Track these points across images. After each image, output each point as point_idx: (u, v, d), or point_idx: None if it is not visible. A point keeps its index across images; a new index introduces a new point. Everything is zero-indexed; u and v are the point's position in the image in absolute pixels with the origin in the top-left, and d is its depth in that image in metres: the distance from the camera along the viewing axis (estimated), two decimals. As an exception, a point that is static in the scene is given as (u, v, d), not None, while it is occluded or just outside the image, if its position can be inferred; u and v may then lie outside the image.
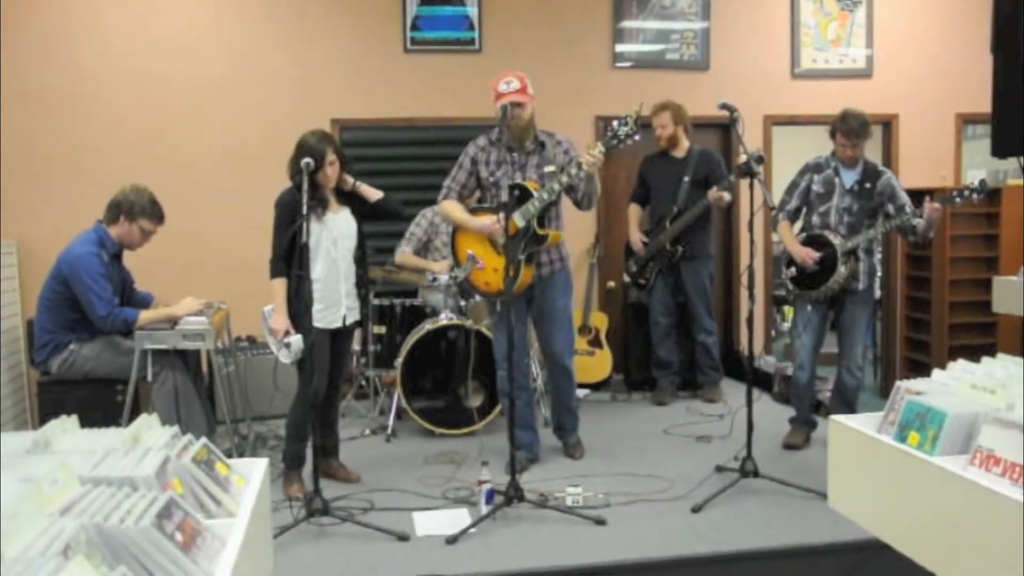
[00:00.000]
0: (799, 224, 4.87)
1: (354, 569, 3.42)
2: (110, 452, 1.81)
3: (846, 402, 4.72)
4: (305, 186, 3.69)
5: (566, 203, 4.51)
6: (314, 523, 3.74)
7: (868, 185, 4.65)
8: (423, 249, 5.72)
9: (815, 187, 4.73)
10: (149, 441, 1.95)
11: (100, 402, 4.38)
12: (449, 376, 5.25)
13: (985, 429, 2.04)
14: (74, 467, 1.66)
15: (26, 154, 5.99)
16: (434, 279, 5.32)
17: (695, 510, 3.89)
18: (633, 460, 4.67)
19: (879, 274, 5.08)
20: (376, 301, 5.46)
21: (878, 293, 4.91)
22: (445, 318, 5.16)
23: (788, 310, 7.70)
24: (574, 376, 4.70)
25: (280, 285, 4.07)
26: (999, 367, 2.39)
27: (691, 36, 6.79)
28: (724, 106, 4.13)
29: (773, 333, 7.32)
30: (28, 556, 1.30)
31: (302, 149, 3.98)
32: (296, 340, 3.98)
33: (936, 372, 2.49)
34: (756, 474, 4.07)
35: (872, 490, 2.40)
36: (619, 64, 6.72)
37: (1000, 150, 3.55)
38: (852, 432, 2.48)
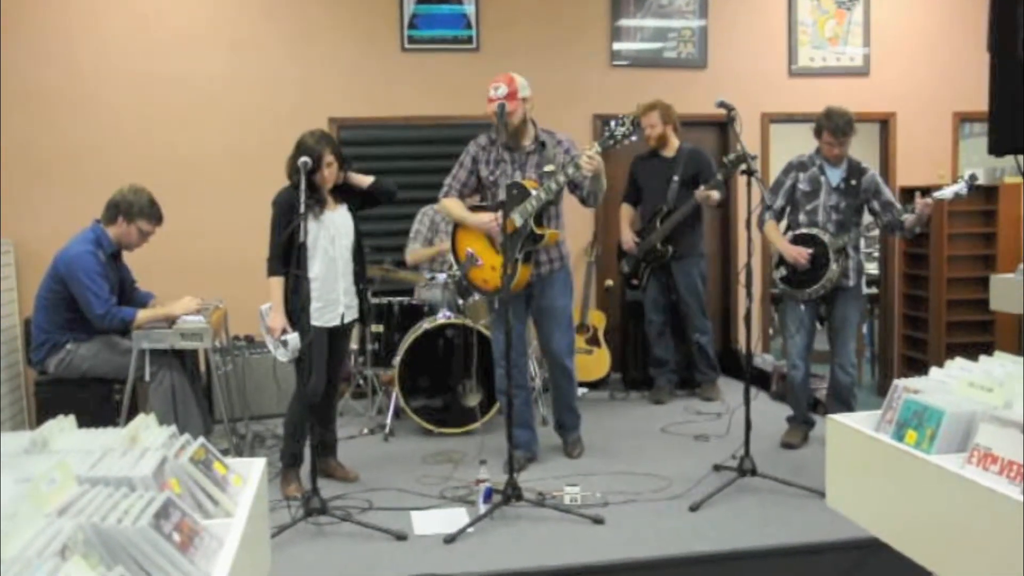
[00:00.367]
0: (783, 223, 4.87)
1: (352, 568, 3.42)
2: (108, 452, 1.81)
3: (842, 400, 4.73)
4: (303, 185, 3.69)
5: (569, 202, 4.51)
6: (312, 522, 3.74)
7: (854, 182, 4.67)
8: (427, 245, 5.73)
9: (801, 185, 4.73)
10: (147, 441, 1.95)
11: (97, 402, 4.39)
12: (447, 375, 5.25)
13: (983, 427, 2.04)
14: (72, 467, 1.66)
15: (25, 154, 5.98)
16: (432, 278, 5.32)
17: (693, 509, 3.90)
18: (631, 459, 4.67)
19: (865, 271, 5.09)
20: (374, 300, 5.46)
21: (865, 289, 4.94)
22: (443, 317, 5.16)
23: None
24: (575, 375, 4.69)
25: (277, 284, 4.07)
26: (997, 365, 2.39)
27: (689, 34, 6.79)
28: (722, 104, 4.14)
29: (771, 331, 7.32)
30: (26, 556, 1.29)
31: (301, 149, 3.98)
32: (293, 338, 3.97)
33: (934, 370, 2.49)
34: (754, 473, 4.07)
35: (870, 489, 2.40)
36: (616, 62, 6.72)
37: (997, 148, 3.55)
38: (850, 431, 2.48)
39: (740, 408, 4.23)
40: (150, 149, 6.12)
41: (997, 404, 2.14)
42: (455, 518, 3.84)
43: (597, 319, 6.36)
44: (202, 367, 5.28)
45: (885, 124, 7.18)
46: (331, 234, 4.14)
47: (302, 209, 3.68)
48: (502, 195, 4.18)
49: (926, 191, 4.61)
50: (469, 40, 6.50)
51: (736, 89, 6.42)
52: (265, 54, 6.28)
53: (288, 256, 3.99)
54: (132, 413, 4.13)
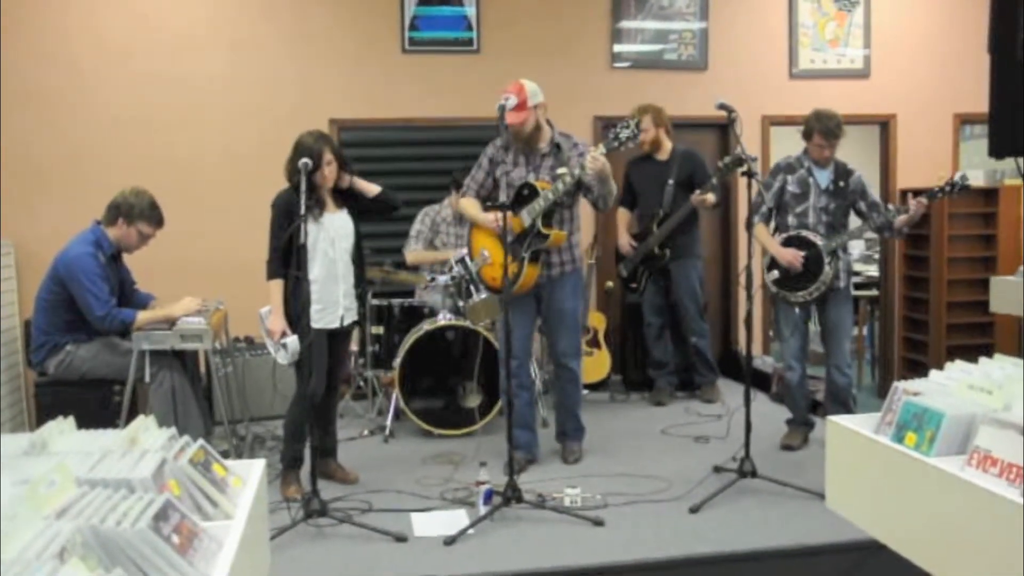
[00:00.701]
0: (770, 225, 4.86)
1: (352, 570, 3.42)
2: (107, 454, 1.81)
3: (840, 401, 4.72)
4: (303, 187, 3.69)
5: (586, 207, 4.53)
6: (312, 524, 3.74)
7: (842, 184, 4.68)
8: (429, 247, 5.73)
9: (790, 187, 4.73)
10: (146, 443, 1.95)
11: (97, 403, 4.38)
12: (447, 377, 5.25)
13: (982, 430, 2.04)
14: (71, 469, 1.66)
15: (25, 155, 5.98)
16: (432, 279, 5.32)
17: (693, 510, 3.90)
18: (631, 460, 4.67)
19: (852, 270, 5.11)
20: (374, 301, 5.46)
21: (852, 290, 4.98)
22: (443, 318, 5.16)
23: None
24: (580, 379, 4.70)
25: (277, 286, 4.07)
26: (996, 368, 2.39)
27: (689, 36, 6.79)
28: (722, 106, 4.14)
29: (771, 333, 7.31)
30: (24, 558, 1.29)
31: (300, 149, 3.98)
32: (293, 341, 3.97)
33: (933, 372, 2.49)
34: (754, 474, 4.07)
35: (869, 491, 2.40)
36: (617, 64, 6.72)
37: (997, 150, 3.55)
38: (849, 433, 2.48)
39: (740, 410, 4.24)
40: (150, 150, 6.12)
41: (997, 406, 2.14)
42: (455, 520, 3.84)
43: (597, 321, 6.36)
44: (202, 368, 5.28)
45: (885, 126, 7.18)
46: (331, 236, 4.14)
47: (302, 211, 3.68)
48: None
49: (918, 193, 4.61)
50: (470, 42, 6.51)
51: (736, 91, 6.42)
52: (265, 55, 6.29)
53: (288, 258, 3.99)
54: (132, 414, 4.13)
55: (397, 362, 5.12)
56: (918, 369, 6.74)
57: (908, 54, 7.07)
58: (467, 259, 4.87)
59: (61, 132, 6.06)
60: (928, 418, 2.19)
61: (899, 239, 6.03)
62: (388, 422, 5.26)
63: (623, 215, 6.00)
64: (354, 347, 5.50)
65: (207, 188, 6.18)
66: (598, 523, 3.78)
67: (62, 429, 2.02)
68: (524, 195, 4.33)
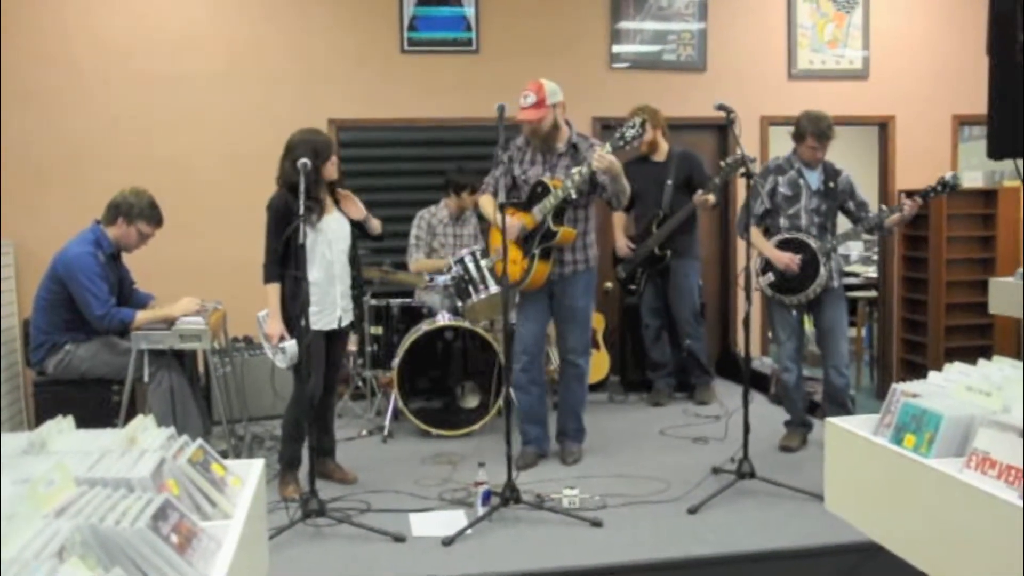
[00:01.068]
0: (761, 227, 4.86)
1: (350, 570, 3.42)
2: (106, 453, 1.81)
3: (838, 402, 4.73)
4: (302, 187, 3.68)
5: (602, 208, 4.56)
6: (310, 524, 3.73)
7: (831, 184, 4.69)
8: (428, 250, 5.73)
9: (781, 189, 4.73)
10: (145, 442, 1.95)
11: (96, 403, 4.38)
12: (446, 377, 5.25)
13: (981, 432, 2.04)
14: (70, 468, 1.66)
15: (25, 154, 5.98)
16: (431, 280, 5.32)
17: (692, 512, 3.90)
18: (630, 461, 4.67)
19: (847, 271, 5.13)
20: (373, 302, 5.46)
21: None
22: (442, 319, 5.16)
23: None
24: (586, 378, 4.71)
25: (274, 290, 4.06)
26: (995, 369, 2.39)
27: (688, 37, 6.79)
28: (721, 107, 4.14)
29: (769, 335, 7.32)
30: (23, 557, 1.29)
31: (296, 149, 3.97)
32: (291, 345, 3.97)
33: (932, 374, 2.49)
34: (752, 476, 4.07)
35: (868, 492, 2.40)
36: (616, 65, 6.72)
37: (996, 152, 3.55)
38: (848, 434, 2.48)
39: (739, 411, 4.24)
40: (149, 149, 6.12)
41: (996, 408, 2.14)
42: (453, 520, 3.84)
43: (596, 322, 6.35)
44: (201, 368, 5.28)
45: (884, 127, 7.18)
46: (328, 238, 4.12)
47: (301, 211, 3.67)
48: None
49: (911, 193, 4.62)
50: (469, 42, 6.51)
51: (735, 92, 6.43)
52: (265, 55, 6.29)
53: (285, 261, 3.99)
54: (131, 414, 4.12)
55: (396, 362, 5.12)
56: (917, 371, 6.75)
57: (907, 55, 7.07)
58: (475, 255, 4.99)
59: (61, 132, 6.05)
60: (927, 420, 2.19)
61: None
62: (387, 422, 5.26)
63: (619, 217, 6.00)
64: (353, 347, 5.50)
65: (206, 188, 6.18)
66: (596, 524, 3.78)
67: (61, 428, 2.02)
68: (537, 193, 4.40)
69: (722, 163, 5.23)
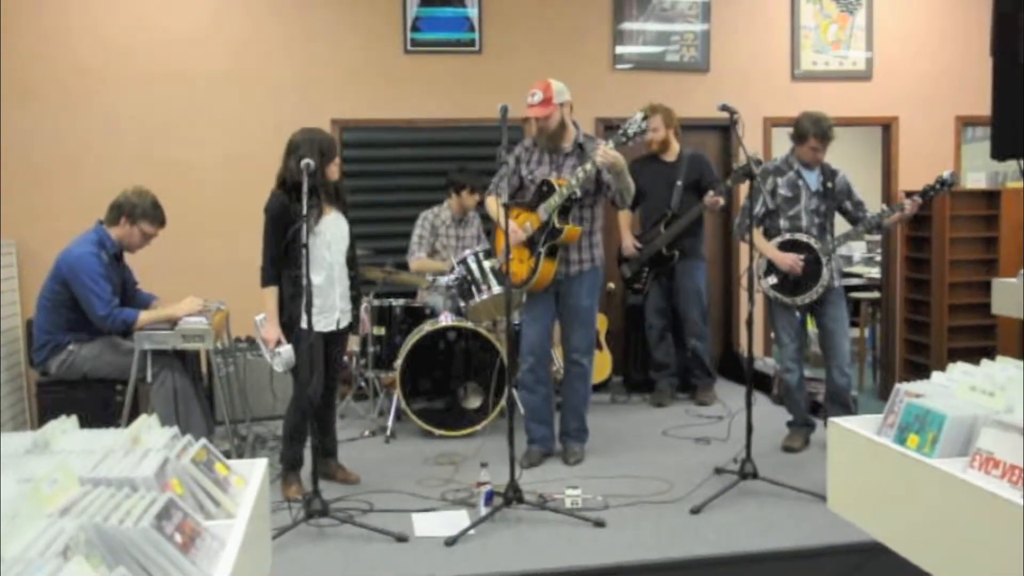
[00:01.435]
0: (760, 229, 4.85)
1: (353, 570, 3.42)
2: (109, 453, 1.81)
3: (841, 402, 4.72)
4: (305, 187, 3.68)
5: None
6: (313, 524, 3.74)
7: (829, 185, 4.69)
8: (431, 251, 5.73)
9: (781, 191, 4.72)
10: (148, 442, 1.95)
11: (99, 403, 4.38)
12: (448, 378, 5.25)
13: (984, 432, 2.04)
14: (73, 467, 1.66)
15: (26, 154, 5.99)
16: (434, 280, 5.32)
17: (694, 512, 3.90)
18: (632, 462, 4.67)
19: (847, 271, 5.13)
20: (376, 302, 5.46)
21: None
22: (444, 320, 5.16)
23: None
24: (590, 378, 4.72)
25: (271, 294, 4.06)
26: (999, 369, 2.39)
27: (691, 38, 6.79)
28: (724, 108, 4.13)
29: (772, 335, 7.31)
30: (27, 556, 1.29)
31: (301, 147, 3.97)
32: (286, 350, 3.98)
33: (936, 374, 2.49)
34: (755, 476, 4.07)
35: (871, 492, 2.40)
36: (619, 66, 6.72)
37: (999, 152, 3.55)
38: (851, 434, 2.48)
39: (741, 411, 4.24)
40: (151, 150, 6.12)
41: (999, 408, 2.14)
42: (456, 520, 3.84)
43: (598, 322, 6.35)
44: (204, 368, 5.28)
45: (887, 128, 7.17)
46: (326, 240, 4.11)
47: (305, 211, 3.67)
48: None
49: (910, 193, 4.62)
50: (472, 43, 6.51)
51: (738, 93, 6.43)
52: (267, 55, 6.29)
53: (284, 263, 3.99)
54: (134, 414, 4.13)
55: (398, 363, 5.12)
56: (919, 371, 6.74)
57: (910, 56, 7.07)
58: (478, 256, 5.04)
59: (62, 131, 6.06)
60: (930, 420, 2.19)
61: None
62: (389, 423, 5.26)
63: (625, 215, 5.99)
64: (355, 348, 5.51)
65: (209, 188, 6.18)
66: (599, 524, 3.78)
67: (64, 428, 2.03)
68: (543, 192, 4.42)
69: (737, 167, 5.22)
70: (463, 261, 5.18)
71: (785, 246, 4.68)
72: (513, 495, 3.83)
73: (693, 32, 6.78)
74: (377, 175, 6.47)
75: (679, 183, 5.73)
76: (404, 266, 5.77)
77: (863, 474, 2.43)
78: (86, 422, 2.10)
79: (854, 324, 7.39)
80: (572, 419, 4.72)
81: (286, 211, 3.98)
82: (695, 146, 6.03)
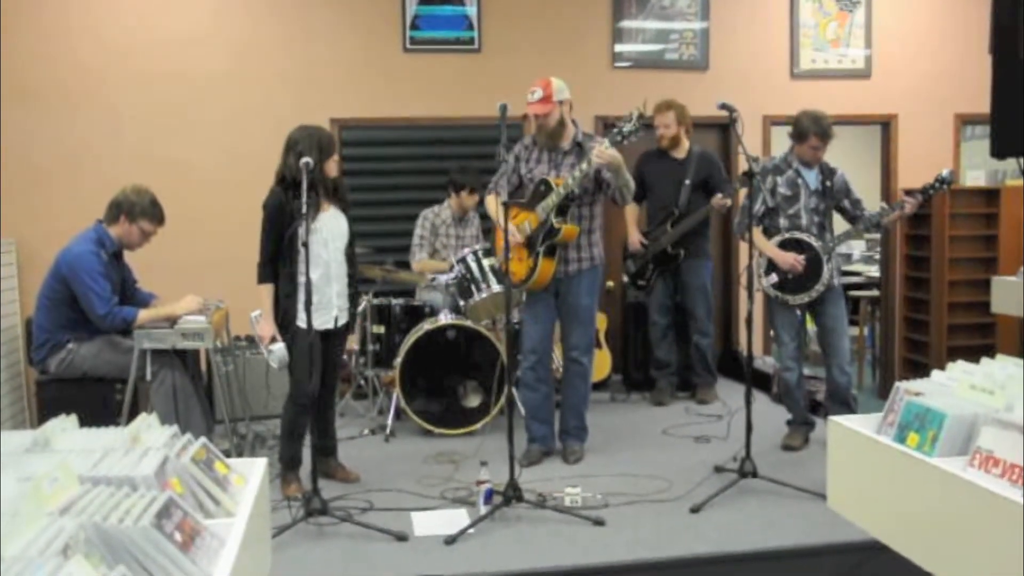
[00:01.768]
0: (760, 228, 4.85)
1: (353, 569, 3.42)
2: (109, 451, 1.81)
3: (842, 401, 4.72)
4: (304, 185, 3.68)
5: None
6: (312, 523, 3.74)
7: (828, 183, 4.69)
8: (432, 250, 5.72)
9: (781, 189, 4.72)
10: (148, 441, 1.95)
11: (99, 402, 4.38)
12: (448, 376, 5.25)
13: (984, 430, 2.04)
14: (73, 466, 1.66)
15: (26, 153, 5.98)
16: (433, 279, 5.32)
17: (694, 510, 3.90)
18: (632, 460, 4.67)
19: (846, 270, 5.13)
20: (375, 301, 5.46)
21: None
22: (444, 318, 5.16)
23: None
24: (589, 377, 4.72)
25: (267, 291, 4.06)
26: (998, 368, 2.39)
27: (690, 36, 6.79)
28: (723, 106, 4.13)
29: (772, 334, 7.31)
30: (27, 555, 1.29)
31: (299, 144, 3.97)
32: (279, 348, 3.98)
33: (935, 373, 2.49)
34: (755, 475, 4.07)
35: (871, 491, 2.40)
36: (618, 64, 6.72)
37: (999, 150, 3.55)
38: (851, 433, 2.48)
39: (741, 410, 4.24)
40: (151, 148, 6.12)
41: (999, 407, 2.14)
42: (456, 519, 3.84)
43: (598, 321, 6.34)
44: (203, 367, 5.28)
45: (887, 126, 7.17)
46: (324, 237, 4.11)
47: (304, 208, 3.67)
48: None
49: (910, 192, 4.62)
50: (471, 41, 6.51)
51: (738, 91, 6.42)
52: (266, 54, 6.29)
53: (281, 260, 3.99)
54: (133, 413, 4.13)
55: (398, 361, 5.12)
56: (919, 370, 6.74)
57: (909, 54, 7.07)
58: (477, 255, 5.06)
59: (62, 130, 6.06)
60: (930, 418, 2.19)
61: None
62: (389, 421, 5.26)
63: (632, 210, 5.97)
64: (354, 346, 5.50)
65: (208, 186, 6.18)
66: (599, 523, 3.78)
67: (64, 427, 2.03)
68: (541, 191, 4.42)
69: (748, 172, 5.20)
70: (462, 260, 5.18)
71: (785, 245, 4.67)
72: (513, 494, 3.83)
73: (692, 30, 6.78)
74: (376, 174, 6.47)
75: (687, 182, 5.72)
76: (404, 265, 5.76)
77: (863, 473, 2.44)
78: (86, 421, 2.10)
79: (853, 322, 7.40)
80: (572, 418, 4.72)
81: (283, 208, 3.98)
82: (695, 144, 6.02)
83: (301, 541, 3.64)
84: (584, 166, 4.24)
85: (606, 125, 6.48)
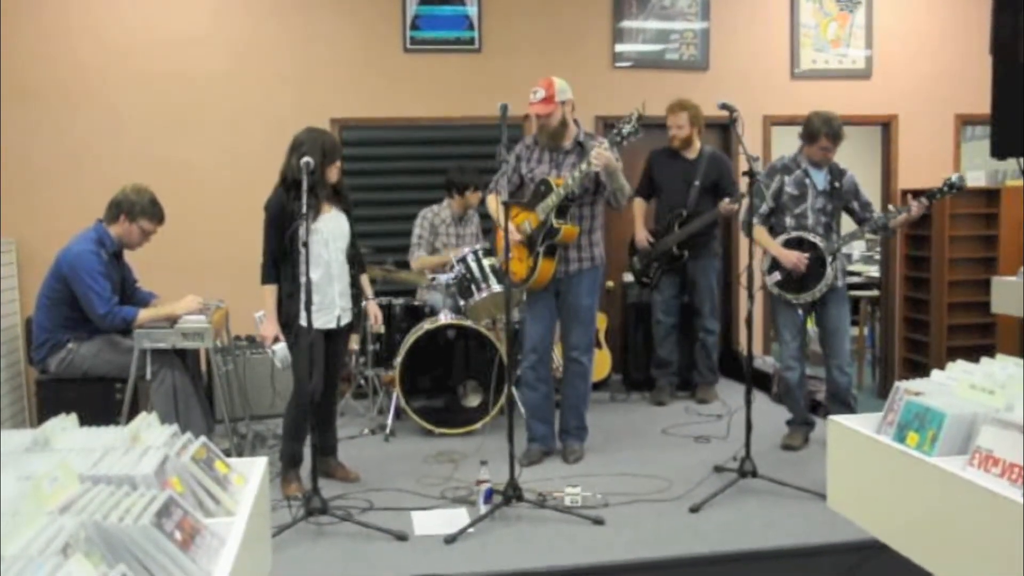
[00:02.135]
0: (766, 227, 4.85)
1: (353, 568, 3.42)
2: (109, 450, 1.81)
3: (842, 401, 4.73)
4: (305, 186, 3.68)
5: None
6: (313, 522, 3.74)
7: (837, 184, 4.69)
8: (431, 249, 5.72)
9: (788, 189, 4.72)
10: (148, 440, 1.95)
11: (99, 401, 4.38)
12: (448, 376, 5.25)
13: (984, 430, 2.04)
14: (73, 465, 1.66)
15: (26, 153, 5.98)
16: (433, 279, 5.32)
17: (694, 510, 3.90)
18: (632, 460, 4.67)
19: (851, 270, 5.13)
20: (375, 300, 5.45)
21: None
22: (444, 318, 5.17)
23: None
24: (589, 376, 4.72)
25: (270, 292, 4.07)
26: (998, 368, 2.39)
27: (691, 36, 6.79)
28: (724, 106, 4.13)
29: (772, 333, 7.31)
30: (28, 554, 1.30)
31: (304, 145, 3.97)
32: (281, 348, 4.00)
33: (935, 372, 2.49)
34: (755, 474, 4.07)
35: (871, 490, 2.40)
36: (619, 64, 6.72)
37: (999, 151, 3.55)
38: (851, 432, 2.48)
39: (741, 410, 4.24)
40: (151, 148, 6.12)
41: (999, 406, 2.14)
42: (456, 518, 3.84)
43: (598, 320, 6.34)
44: (203, 367, 5.28)
45: (887, 126, 7.18)
46: (325, 238, 4.11)
47: (304, 209, 3.67)
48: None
49: (918, 193, 4.62)
50: (471, 41, 6.51)
51: (738, 91, 6.41)
52: (267, 54, 6.29)
53: (284, 260, 3.99)
54: (133, 413, 4.13)
55: (398, 361, 5.12)
56: (919, 370, 6.74)
57: (910, 55, 7.07)
58: (477, 254, 5.06)
59: (62, 130, 6.06)
60: (930, 418, 2.19)
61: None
62: (389, 421, 5.26)
63: (640, 205, 5.97)
64: (355, 346, 5.50)
65: (208, 186, 6.18)
66: (598, 522, 3.78)
67: (64, 426, 2.03)
68: (541, 191, 4.43)
69: (746, 171, 5.21)
70: (463, 259, 5.18)
71: (790, 244, 4.68)
72: (513, 493, 3.83)
73: (693, 30, 6.78)
74: (377, 173, 6.47)
75: (697, 183, 5.72)
76: (404, 265, 5.76)
77: (863, 472, 2.44)
78: (85, 420, 2.11)
79: (853, 322, 7.39)
80: (572, 417, 4.72)
81: (284, 209, 3.99)
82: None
83: (301, 540, 3.64)
84: (584, 166, 4.24)
85: (606, 125, 6.48)
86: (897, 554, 2.26)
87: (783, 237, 4.71)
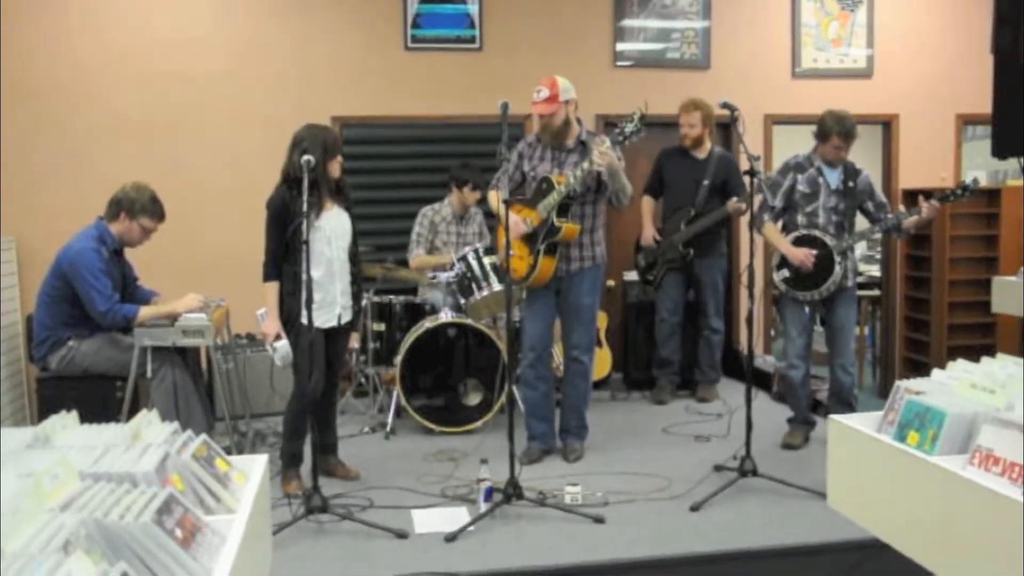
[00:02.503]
0: (778, 224, 4.86)
1: (353, 566, 3.42)
2: (110, 448, 1.81)
3: (844, 401, 4.73)
4: (306, 183, 3.68)
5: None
6: (313, 520, 3.74)
7: (851, 184, 4.69)
8: (430, 247, 5.72)
9: (800, 187, 4.72)
10: (149, 437, 1.95)
11: (99, 398, 4.39)
12: (448, 374, 5.25)
13: (985, 429, 2.04)
14: (74, 463, 1.66)
15: (27, 151, 5.98)
16: (434, 277, 5.32)
17: (694, 509, 3.90)
18: (632, 459, 4.67)
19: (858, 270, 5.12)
20: (376, 299, 5.46)
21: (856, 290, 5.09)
22: (444, 316, 5.17)
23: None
24: (590, 375, 4.72)
25: (272, 289, 4.07)
26: (999, 367, 2.39)
27: (692, 35, 6.79)
28: (725, 105, 4.13)
29: (772, 333, 7.32)
30: (28, 551, 1.30)
31: (305, 142, 3.97)
32: (283, 346, 3.99)
33: (936, 372, 2.49)
34: (755, 473, 4.07)
35: (871, 490, 2.40)
36: (620, 63, 6.72)
37: (1000, 151, 3.55)
38: (851, 432, 2.48)
39: (741, 409, 4.24)
40: (152, 147, 6.12)
41: (999, 406, 2.14)
42: (456, 517, 3.84)
43: (599, 319, 6.34)
44: (204, 364, 5.28)
45: (888, 126, 7.17)
46: (327, 235, 4.11)
47: (305, 207, 3.67)
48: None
49: (929, 194, 4.62)
50: (472, 39, 6.51)
51: (739, 90, 6.42)
52: (268, 52, 6.28)
53: (285, 258, 3.99)
54: (134, 410, 4.12)
55: (398, 359, 5.12)
56: (919, 369, 6.74)
57: (911, 54, 7.06)
58: (478, 252, 5.07)
59: (63, 129, 6.06)
60: (930, 417, 2.19)
61: (903, 239, 6.04)
62: (389, 419, 5.26)
63: (647, 203, 5.97)
64: (355, 344, 5.50)
65: (209, 184, 6.18)
66: (599, 521, 3.78)
67: (65, 424, 2.03)
68: (542, 189, 4.43)
69: (747, 170, 5.21)
70: (463, 258, 5.18)
71: (800, 242, 4.68)
72: (513, 492, 3.83)
73: (694, 29, 6.78)
74: (378, 172, 6.47)
75: (706, 182, 5.72)
76: (404, 263, 5.76)
77: (863, 471, 2.44)
78: (86, 417, 2.11)
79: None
80: (572, 416, 4.72)
81: (286, 206, 3.99)
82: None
83: (301, 538, 3.64)
84: (586, 165, 4.24)
85: (607, 124, 6.47)
86: (897, 553, 2.26)
87: (794, 235, 4.71)
